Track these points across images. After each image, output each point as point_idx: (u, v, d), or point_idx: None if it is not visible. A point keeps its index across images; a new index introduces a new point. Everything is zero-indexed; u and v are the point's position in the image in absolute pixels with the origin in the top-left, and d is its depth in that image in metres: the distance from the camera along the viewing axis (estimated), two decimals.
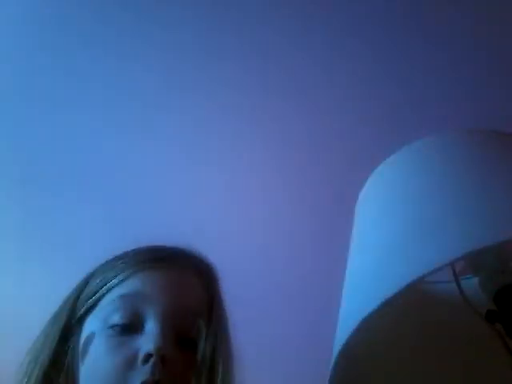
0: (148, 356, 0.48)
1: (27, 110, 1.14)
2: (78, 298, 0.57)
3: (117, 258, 0.60)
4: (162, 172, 1.24)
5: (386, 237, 0.54)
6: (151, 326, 0.51)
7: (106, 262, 0.61)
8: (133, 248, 0.61)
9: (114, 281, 0.55)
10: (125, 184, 1.25)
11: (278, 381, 1.46)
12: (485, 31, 1.04)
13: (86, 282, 0.59)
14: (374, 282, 0.50)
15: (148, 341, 0.49)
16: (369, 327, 0.49)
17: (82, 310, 0.55)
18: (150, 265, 0.56)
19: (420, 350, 0.69)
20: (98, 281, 0.57)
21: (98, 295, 0.55)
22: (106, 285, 0.55)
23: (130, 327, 0.52)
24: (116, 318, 0.52)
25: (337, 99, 1.14)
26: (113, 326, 0.52)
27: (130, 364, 0.49)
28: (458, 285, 0.62)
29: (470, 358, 0.68)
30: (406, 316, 0.68)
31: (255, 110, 1.15)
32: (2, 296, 1.37)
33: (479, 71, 1.09)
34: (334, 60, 1.09)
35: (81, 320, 0.55)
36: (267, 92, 1.13)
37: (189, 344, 0.53)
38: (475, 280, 0.61)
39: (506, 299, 0.54)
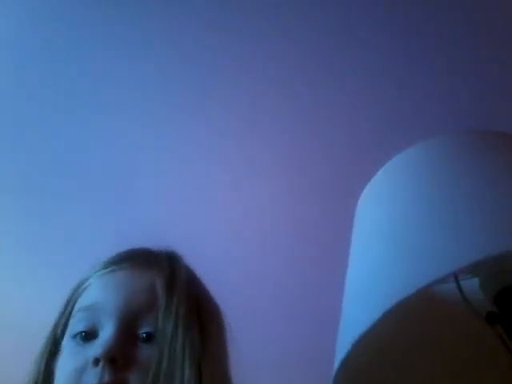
0: (96, 360, 0.50)
1: (27, 111, 1.14)
2: (60, 317, 0.59)
3: (92, 266, 0.62)
4: (161, 170, 1.24)
5: (386, 244, 0.53)
6: (105, 332, 0.53)
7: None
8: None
9: (79, 291, 0.59)
10: (124, 183, 1.25)
11: None
12: (485, 31, 1.04)
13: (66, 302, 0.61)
14: (376, 290, 0.50)
15: (98, 346, 0.51)
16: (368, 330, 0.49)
17: (60, 329, 0.58)
18: (112, 268, 0.58)
19: (420, 350, 0.68)
20: (68, 295, 0.60)
21: (69, 309, 0.58)
22: (73, 295, 0.59)
23: (90, 335, 0.54)
24: (78, 328, 0.55)
25: (337, 100, 1.14)
26: (75, 336, 0.54)
27: (83, 369, 0.51)
28: (458, 285, 0.62)
29: (471, 360, 0.68)
30: (406, 317, 0.67)
31: (256, 108, 1.15)
32: (2, 297, 1.37)
33: (479, 71, 1.09)
34: (335, 61, 1.09)
35: (60, 339, 0.57)
36: (267, 90, 1.13)
37: (151, 338, 0.53)
38: (475, 280, 0.61)
39: (507, 301, 0.54)
